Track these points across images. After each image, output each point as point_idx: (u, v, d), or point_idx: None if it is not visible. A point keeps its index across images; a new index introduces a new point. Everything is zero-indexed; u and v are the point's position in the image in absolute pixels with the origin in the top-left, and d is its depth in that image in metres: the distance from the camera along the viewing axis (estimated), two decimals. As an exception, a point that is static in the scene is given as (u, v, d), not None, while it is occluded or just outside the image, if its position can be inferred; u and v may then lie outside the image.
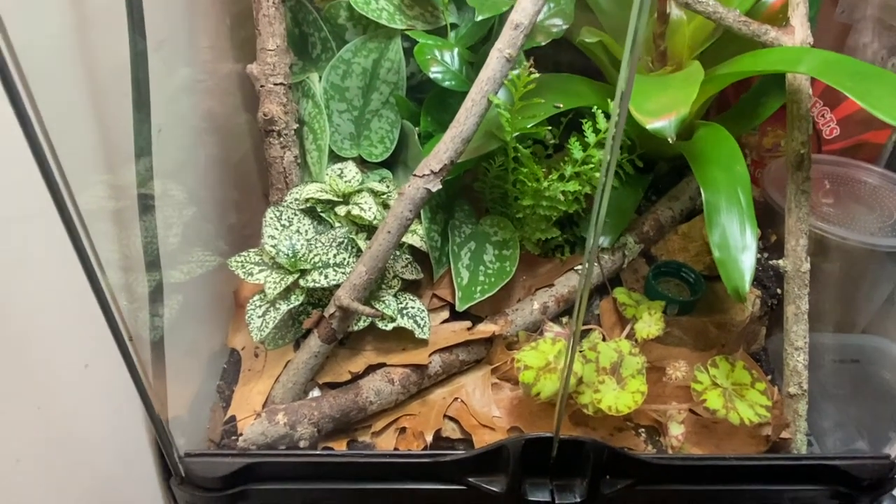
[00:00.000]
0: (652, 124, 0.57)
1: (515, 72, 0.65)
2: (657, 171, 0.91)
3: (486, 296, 0.74)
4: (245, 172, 0.83)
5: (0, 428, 0.47)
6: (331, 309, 0.67)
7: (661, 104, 0.59)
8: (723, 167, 0.68)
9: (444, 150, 0.65)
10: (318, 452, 0.63)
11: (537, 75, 0.64)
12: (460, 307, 0.74)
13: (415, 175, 0.65)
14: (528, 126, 0.69)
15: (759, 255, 0.88)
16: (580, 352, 0.68)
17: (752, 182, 0.96)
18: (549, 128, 0.74)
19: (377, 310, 0.68)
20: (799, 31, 0.71)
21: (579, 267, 0.80)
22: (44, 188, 0.47)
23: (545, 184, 0.73)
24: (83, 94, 0.54)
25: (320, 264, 0.69)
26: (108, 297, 0.48)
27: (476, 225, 0.81)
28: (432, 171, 0.65)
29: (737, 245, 0.63)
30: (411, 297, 0.73)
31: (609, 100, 0.68)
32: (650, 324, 0.72)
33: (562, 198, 0.73)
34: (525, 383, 0.64)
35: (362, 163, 0.82)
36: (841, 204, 0.89)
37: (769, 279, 0.84)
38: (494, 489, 0.60)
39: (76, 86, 0.53)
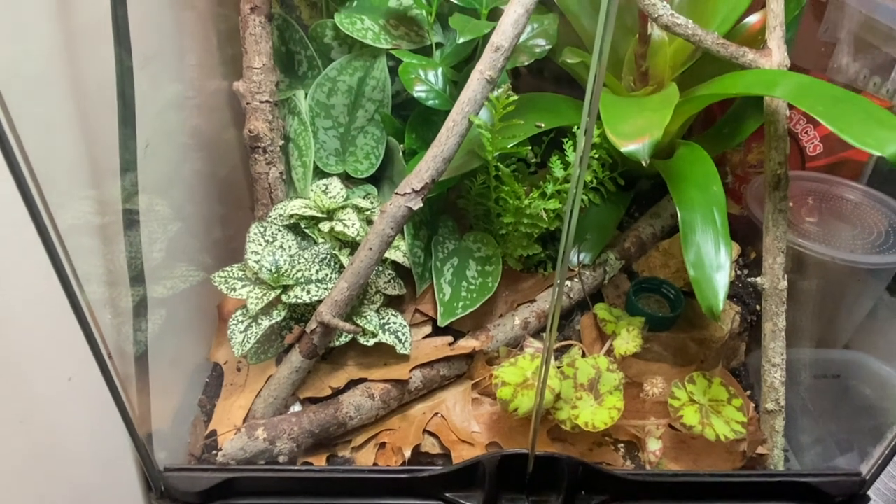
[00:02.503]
0: (626, 147, 0.58)
1: (496, 93, 0.66)
2: (639, 188, 0.92)
3: (468, 311, 0.75)
4: (232, 187, 0.84)
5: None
6: (312, 324, 0.68)
7: (635, 127, 0.60)
8: (699, 187, 0.69)
9: (425, 168, 0.66)
10: (297, 468, 0.64)
11: (516, 97, 0.65)
12: (442, 322, 0.75)
13: (396, 193, 0.66)
14: (509, 146, 0.71)
15: (738, 272, 0.89)
16: (559, 368, 0.69)
17: (737, 198, 0.97)
18: (531, 147, 0.75)
19: (357, 326, 0.69)
20: (776, 53, 0.73)
21: (553, 291, 0.81)
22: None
23: (526, 201, 0.74)
24: (68, 109, 0.55)
25: (303, 280, 0.70)
26: (86, 313, 0.49)
27: (459, 241, 0.82)
28: (414, 190, 0.66)
29: (711, 264, 0.64)
30: (393, 313, 0.74)
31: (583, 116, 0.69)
32: (628, 340, 0.73)
33: (543, 215, 0.75)
34: (503, 399, 0.64)
35: (348, 178, 0.83)
36: (824, 221, 0.90)
37: (749, 296, 0.85)
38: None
39: (61, 101, 0.54)
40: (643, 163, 0.58)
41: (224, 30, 0.78)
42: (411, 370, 0.71)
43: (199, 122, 0.77)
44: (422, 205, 0.66)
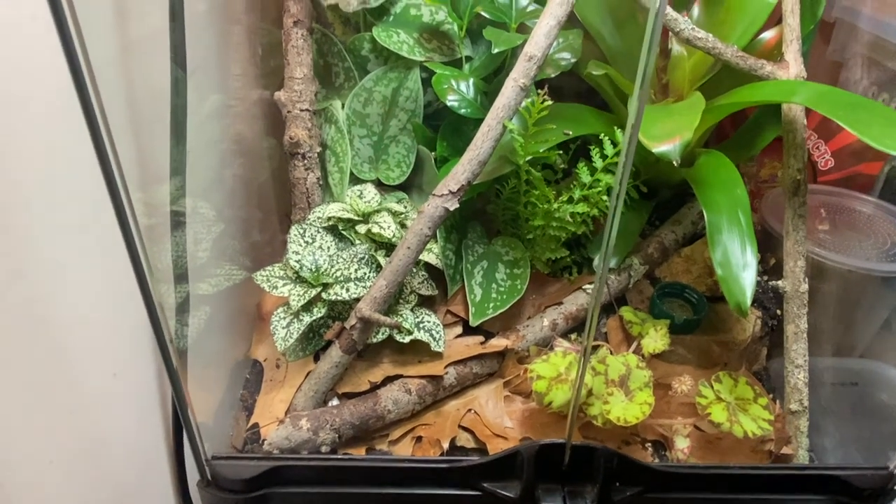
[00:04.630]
0: (658, 148, 0.61)
1: (529, 100, 0.70)
2: (660, 197, 0.95)
3: (498, 312, 0.78)
4: (267, 193, 0.87)
5: (37, 429, 0.50)
6: (352, 321, 0.70)
7: (665, 129, 0.63)
8: (724, 190, 0.72)
9: (461, 171, 0.69)
10: (340, 457, 0.65)
11: (550, 103, 0.69)
12: (473, 322, 0.77)
13: (434, 195, 0.69)
14: (541, 150, 0.74)
15: (759, 278, 0.92)
16: (590, 364, 0.71)
17: (751, 210, 1.00)
18: (560, 152, 0.78)
19: (396, 321, 0.71)
20: (793, 65, 0.76)
21: (587, 286, 0.84)
22: (89, 202, 0.51)
23: (555, 206, 0.77)
24: (124, 116, 0.58)
25: (342, 278, 0.72)
26: (155, 302, 0.51)
27: (488, 245, 0.84)
28: (450, 191, 0.69)
29: (738, 263, 0.67)
30: (427, 312, 0.76)
31: (616, 128, 0.73)
32: (656, 339, 0.75)
33: (570, 219, 0.77)
34: (538, 392, 0.66)
35: (380, 185, 0.86)
36: (837, 231, 0.93)
37: (769, 301, 0.88)
38: (509, 494, 0.62)
39: (118, 109, 0.57)
40: (674, 163, 0.61)
41: (267, 42, 0.82)
42: (446, 367, 0.73)
43: (240, 129, 0.81)
44: (458, 206, 0.69)
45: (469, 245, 0.83)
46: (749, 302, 0.66)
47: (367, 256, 0.74)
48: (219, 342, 0.75)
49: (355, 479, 0.63)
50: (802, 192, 0.76)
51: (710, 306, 0.85)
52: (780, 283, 0.78)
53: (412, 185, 0.89)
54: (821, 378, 0.86)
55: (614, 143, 0.73)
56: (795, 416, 0.76)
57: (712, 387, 0.74)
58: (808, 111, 0.74)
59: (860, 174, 1.02)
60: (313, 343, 0.76)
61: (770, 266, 0.92)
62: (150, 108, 0.62)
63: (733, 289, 0.67)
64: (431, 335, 0.74)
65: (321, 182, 0.82)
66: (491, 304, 0.78)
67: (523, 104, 0.70)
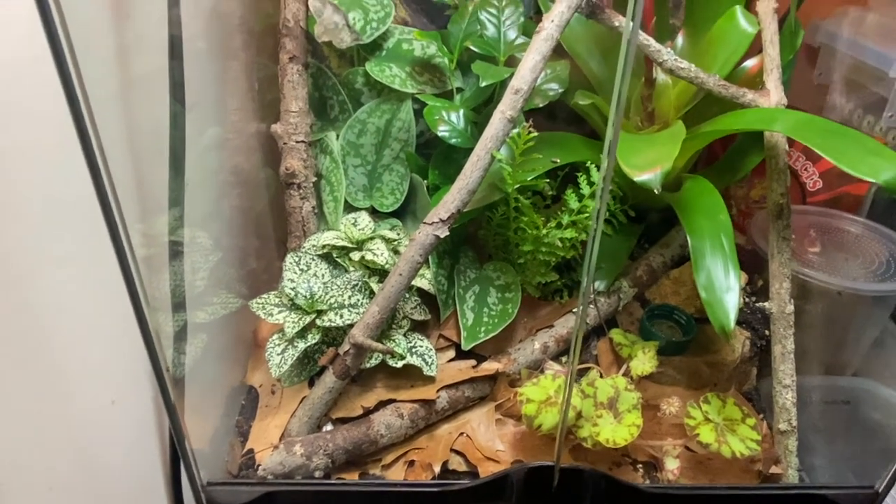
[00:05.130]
0: (639, 177, 0.63)
1: (516, 130, 0.72)
2: (648, 220, 0.97)
3: (490, 336, 0.79)
4: (264, 222, 0.89)
5: (36, 457, 0.52)
6: (345, 346, 0.72)
7: (647, 159, 0.65)
8: (707, 216, 0.74)
9: (451, 200, 0.71)
10: (333, 482, 0.67)
11: (535, 134, 0.71)
12: (465, 346, 0.79)
13: (424, 223, 0.71)
14: (528, 179, 0.76)
15: (746, 299, 0.93)
16: (579, 387, 0.72)
17: (741, 231, 1.02)
18: (548, 180, 0.80)
19: (388, 347, 0.73)
20: (773, 93, 0.79)
21: (577, 309, 0.85)
22: (87, 233, 0.53)
23: (544, 231, 0.79)
24: (124, 150, 0.60)
25: (336, 305, 0.74)
26: (151, 331, 0.53)
27: (480, 270, 0.86)
28: (441, 219, 0.71)
29: (721, 286, 0.69)
30: (420, 337, 0.78)
31: (602, 155, 0.75)
32: (644, 361, 0.77)
33: (559, 244, 0.79)
34: (527, 415, 0.68)
35: (374, 213, 0.88)
36: (826, 252, 0.94)
37: (757, 321, 0.89)
38: (499, 517, 0.63)
39: (118, 143, 0.59)
40: (655, 191, 0.63)
41: (263, 77, 0.85)
42: (438, 391, 0.74)
43: (238, 160, 0.83)
44: (448, 233, 0.71)
45: (461, 270, 0.85)
46: (732, 324, 0.67)
47: (360, 283, 0.76)
48: (215, 369, 0.77)
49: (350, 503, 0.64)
50: (786, 216, 0.78)
51: (699, 327, 0.87)
52: (766, 304, 0.80)
53: (406, 212, 0.91)
54: (812, 397, 0.87)
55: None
56: (784, 435, 0.77)
57: (700, 408, 0.75)
58: (792, 135, 0.76)
59: (848, 195, 1.03)
60: (308, 369, 0.77)
61: (758, 287, 0.93)
62: (151, 143, 0.65)
63: (717, 312, 0.68)
64: (424, 359, 0.76)
65: (316, 211, 0.84)
66: (483, 328, 0.80)
67: (511, 134, 0.72)
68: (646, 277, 0.90)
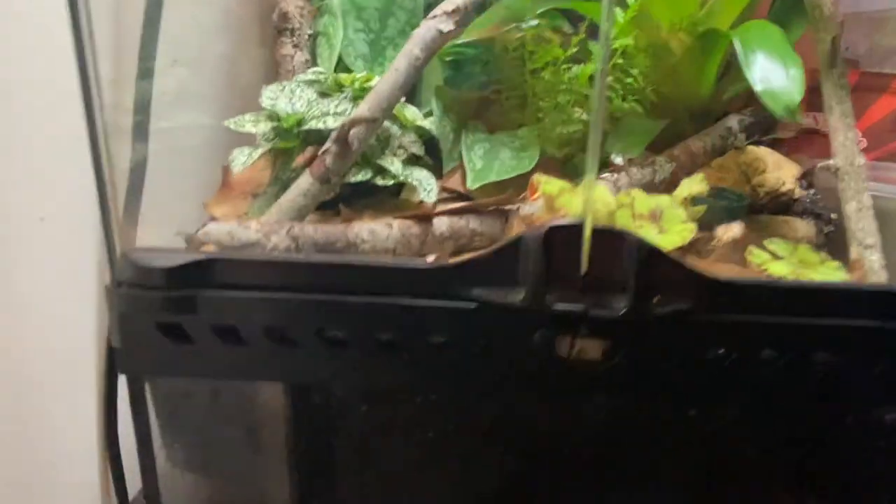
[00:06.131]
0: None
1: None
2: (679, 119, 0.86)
3: (502, 178, 0.66)
4: (252, 79, 0.81)
5: None
6: (327, 145, 0.59)
7: None
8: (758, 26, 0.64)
9: (458, -6, 0.63)
10: (291, 256, 0.51)
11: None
12: (472, 184, 0.66)
13: (426, 19, 0.63)
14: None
15: (803, 192, 0.80)
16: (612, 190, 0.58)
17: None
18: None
19: (375, 116, 0.59)
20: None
21: (605, 174, 0.72)
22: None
23: (564, 67, 0.69)
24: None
25: (319, 115, 0.63)
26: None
27: (492, 136, 0.75)
28: (445, 12, 0.62)
29: (779, 65, 0.57)
30: (419, 168, 0.65)
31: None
32: (692, 183, 0.62)
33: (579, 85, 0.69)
34: (548, 194, 0.53)
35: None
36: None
37: (819, 208, 0.76)
38: (511, 301, 0.46)
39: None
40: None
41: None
42: (437, 212, 0.60)
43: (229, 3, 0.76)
44: (452, 28, 0.62)
45: (471, 129, 0.74)
46: (798, 97, 0.55)
47: (350, 95, 0.66)
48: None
49: (310, 284, 0.48)
50: (839, 63, 0.68)
51: (752, 218, 0.73)
52: (829, 162, 0.67)
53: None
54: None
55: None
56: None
57: (766, 248, 0.60)
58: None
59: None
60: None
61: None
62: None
63: (779, 95, 0.56)
64: (421, 184, 0.62)
65: (309, 65, 0.76)
66: (493, 171, 0.67)
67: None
68: (684, 158, 0.77)
